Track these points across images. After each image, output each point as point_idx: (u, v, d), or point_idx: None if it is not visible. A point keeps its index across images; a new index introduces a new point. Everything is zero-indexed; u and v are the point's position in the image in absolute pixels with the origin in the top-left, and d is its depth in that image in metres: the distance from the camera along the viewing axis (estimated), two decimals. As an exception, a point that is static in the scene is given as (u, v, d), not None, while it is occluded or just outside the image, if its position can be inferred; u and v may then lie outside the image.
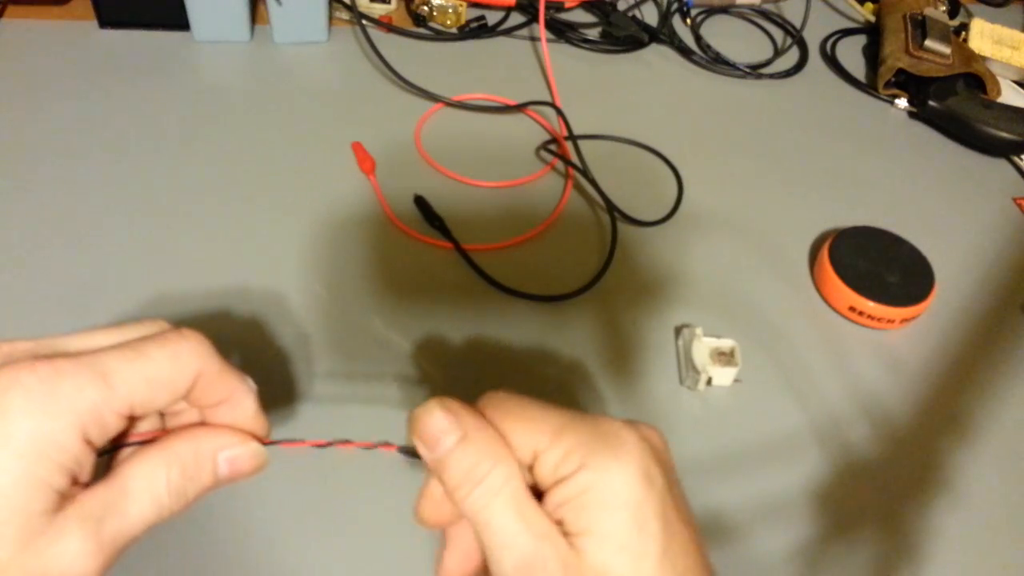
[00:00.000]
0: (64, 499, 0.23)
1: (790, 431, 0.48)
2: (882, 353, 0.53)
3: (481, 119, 0.67)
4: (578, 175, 0.61)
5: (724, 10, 0.84)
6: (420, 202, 0.57)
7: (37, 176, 0.56)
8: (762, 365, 0.51)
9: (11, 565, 0.21)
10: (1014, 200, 0.67)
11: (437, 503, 0.27)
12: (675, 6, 0.81)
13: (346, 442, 0.29)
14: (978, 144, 0.70)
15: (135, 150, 0.59)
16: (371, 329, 0.50)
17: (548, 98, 0.68)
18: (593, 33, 0.77)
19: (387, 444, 0.28)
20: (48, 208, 0.54)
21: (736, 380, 0.49)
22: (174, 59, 0.67)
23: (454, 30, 0.75)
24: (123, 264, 0.51)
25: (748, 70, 0.75)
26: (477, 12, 0.76)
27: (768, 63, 0.77)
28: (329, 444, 0.29)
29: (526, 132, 0.66)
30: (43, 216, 0.53)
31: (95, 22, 0.69)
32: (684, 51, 0.77)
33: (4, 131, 0.59)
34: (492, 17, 0.76)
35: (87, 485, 0.24)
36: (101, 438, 0.24)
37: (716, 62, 0.76)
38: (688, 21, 0.80)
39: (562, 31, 0.76)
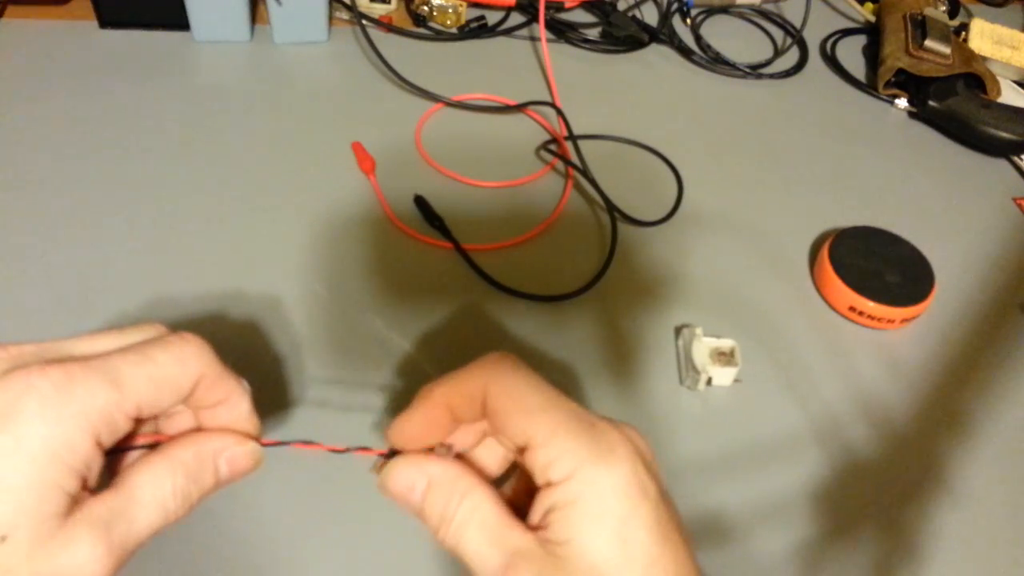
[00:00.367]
0: (74, 502, 0.23)
1: (790, 431, 0.48)
2: (882, 353, 0.53)
3: (481, 119, 0.67)
4: (578, 175, 0.61)
5: (724, 10, 0.84)
6: (420, 202, 0.57)
7: (36, 176, 0.56)
8: (762, 365, 0.51)
9: (23, 568, 0.22)
10: (1014, 200, 0.67)
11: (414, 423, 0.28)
12: (675, 6, 0.81)
13: (365, 449, 0.29)
14: (978, 144, 0.70)
15: (135, 150, 0.59)
16: (371, 329, 0.50)
17: (548, 98, 0.68)
18: (593, 33, 0.77)
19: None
20: (48, 208, 0.54)
21: (736, 380, 0.49)
22: (174, 59, 0.67)
23: (454, 30, 0.75)
24: (123, 264, 0.51)
25: (748, 70, 0.75)
26: (477, 12, 0.76)
27: (768, 63, 0.77)
28: (346, 450, 0.29)
29: (526, 132, 0.66)
30: (43, 216, 0.53)
31: (95, 22, 0.69)
32: (684, 51, 0.77)
33: (4, 131, 0.59)
34: (492, 17, 0.76)
35: (94, 489, 0.24)
36: (111, 440, 0.24)
37: (716, 62, 0.76)
38: (688, 21, 0.80)
39: (562, 31, 0.76)
